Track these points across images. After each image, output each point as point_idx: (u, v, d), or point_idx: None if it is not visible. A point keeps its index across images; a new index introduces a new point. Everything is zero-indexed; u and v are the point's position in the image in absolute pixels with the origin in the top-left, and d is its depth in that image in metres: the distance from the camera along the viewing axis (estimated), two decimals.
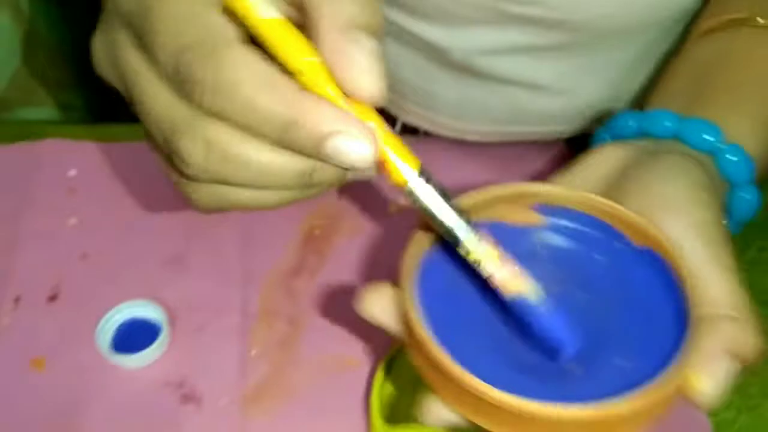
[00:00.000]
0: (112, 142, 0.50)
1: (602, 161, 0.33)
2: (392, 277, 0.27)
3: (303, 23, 0.23)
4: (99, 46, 0.27)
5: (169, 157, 0.24)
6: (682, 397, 0.26)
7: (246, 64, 0.22)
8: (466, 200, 0.29)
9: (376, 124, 0.23)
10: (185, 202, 0.26)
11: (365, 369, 0.41)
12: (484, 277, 0.26)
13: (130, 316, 0.41)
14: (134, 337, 0.40)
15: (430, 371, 0.26)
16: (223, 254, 0.45)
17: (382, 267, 0.45)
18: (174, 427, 0.37)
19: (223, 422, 0.38)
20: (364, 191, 0.50)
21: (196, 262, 0.45)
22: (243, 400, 0.39)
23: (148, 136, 0.26)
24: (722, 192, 0.33)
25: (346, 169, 0.23)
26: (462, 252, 0.25)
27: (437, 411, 0.27)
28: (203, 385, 0.39)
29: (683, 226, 0.28)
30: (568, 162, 0.55)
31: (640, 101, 0.53)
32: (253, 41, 0.23)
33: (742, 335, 0.27)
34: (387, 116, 0.56)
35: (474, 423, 0.25)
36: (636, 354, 0.26)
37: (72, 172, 0.49)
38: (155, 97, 0.24)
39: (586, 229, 0.30)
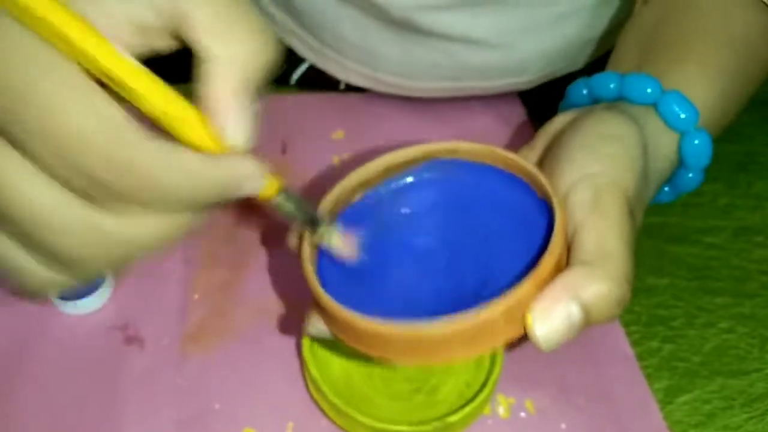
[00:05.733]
0: None
1: (552, 129, 0.35)
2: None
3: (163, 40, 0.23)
4: None
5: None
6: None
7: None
8: (383, 160, 0.32)
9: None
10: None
11: (304, 310, 0.42)
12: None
13: None
14: (80, 287, 0.42)
15: (320, 311, 0.30)
16: None
17: None
18: (116, 366, 0.39)
19: (164, 360, 0.40)
20: (307, 145, 0.52)
21: None
22: (183, 339, 0.41)
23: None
24: (665, 142, 0.34)
25: None
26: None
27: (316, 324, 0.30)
28: (146, 327, 0.41)
29: (575, 177, 0.30)
30: (514, 116, 0.57)
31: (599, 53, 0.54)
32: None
33: (585, 281, 0.26)
34: (329, 78, 0.57)
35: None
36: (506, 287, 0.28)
37: None
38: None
39: (496, 182, 0.32)
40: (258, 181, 0.24)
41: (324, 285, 0.29)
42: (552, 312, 0.26)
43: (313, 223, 0.29)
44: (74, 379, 0.39)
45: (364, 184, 0.33)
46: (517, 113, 0.56)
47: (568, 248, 0.28)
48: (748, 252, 0.49)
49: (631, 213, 0.29)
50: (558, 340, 0.26)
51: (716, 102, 0.36)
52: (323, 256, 0.31)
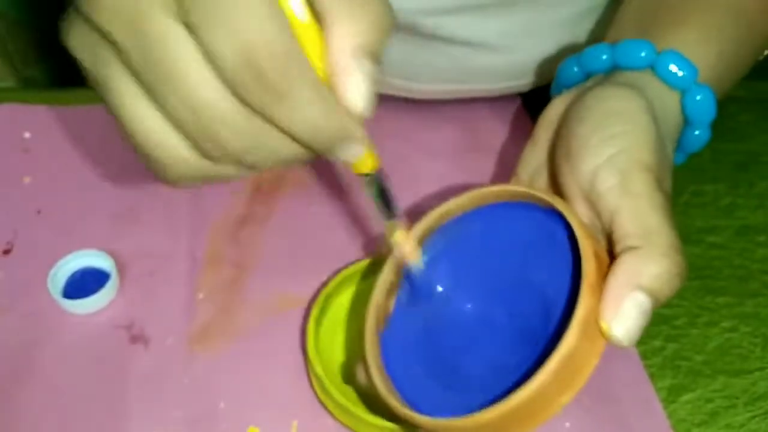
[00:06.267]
0: (63, 105, 0.52)
1: (551, 117, 0.35)
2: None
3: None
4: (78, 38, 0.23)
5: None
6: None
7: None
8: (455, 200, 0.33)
9: None
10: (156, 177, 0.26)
11: (308, 309, 0.43)
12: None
13: (82, 265, 0.43)
14: (85, 284, 0.42)
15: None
16: (172, 207, 0.47)
17: (323, 216, 0.47)
18: (122, 366, 0.39)
19: (169, 360, 0.40)
20: None
21: (146, 215, 0.47)
22: (189, 339, 0.41)
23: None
24: (669, 101, 0.33)
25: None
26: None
27: None
28: (151, 326, 0.41)
29: (595, 164, 0.29)
30: (519, 117, 0.57)
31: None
32: None
33: (639, 266, 0.26)
34: None
35: None
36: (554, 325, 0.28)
37: (26, 134, 0.50)
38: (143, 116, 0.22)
39: (499, 218, 0.32)
40: (359, 149, 0.24)
41: (393, 376, 0.30)
42: (623, 310, 0.26)
43: (388, 211, 0.29)
44: (79, 378, 0.39)
45: (390, 288, 0.33)
46: (519, 113, 0.56)
47: (608, 237, 0.28)
48: (751, 251, 0.49)
49: (660, 184, 0.29)
50: (637, 332, 0.26)
51: (714, 63, 0.36)
52: (387, 351, 0.31)
